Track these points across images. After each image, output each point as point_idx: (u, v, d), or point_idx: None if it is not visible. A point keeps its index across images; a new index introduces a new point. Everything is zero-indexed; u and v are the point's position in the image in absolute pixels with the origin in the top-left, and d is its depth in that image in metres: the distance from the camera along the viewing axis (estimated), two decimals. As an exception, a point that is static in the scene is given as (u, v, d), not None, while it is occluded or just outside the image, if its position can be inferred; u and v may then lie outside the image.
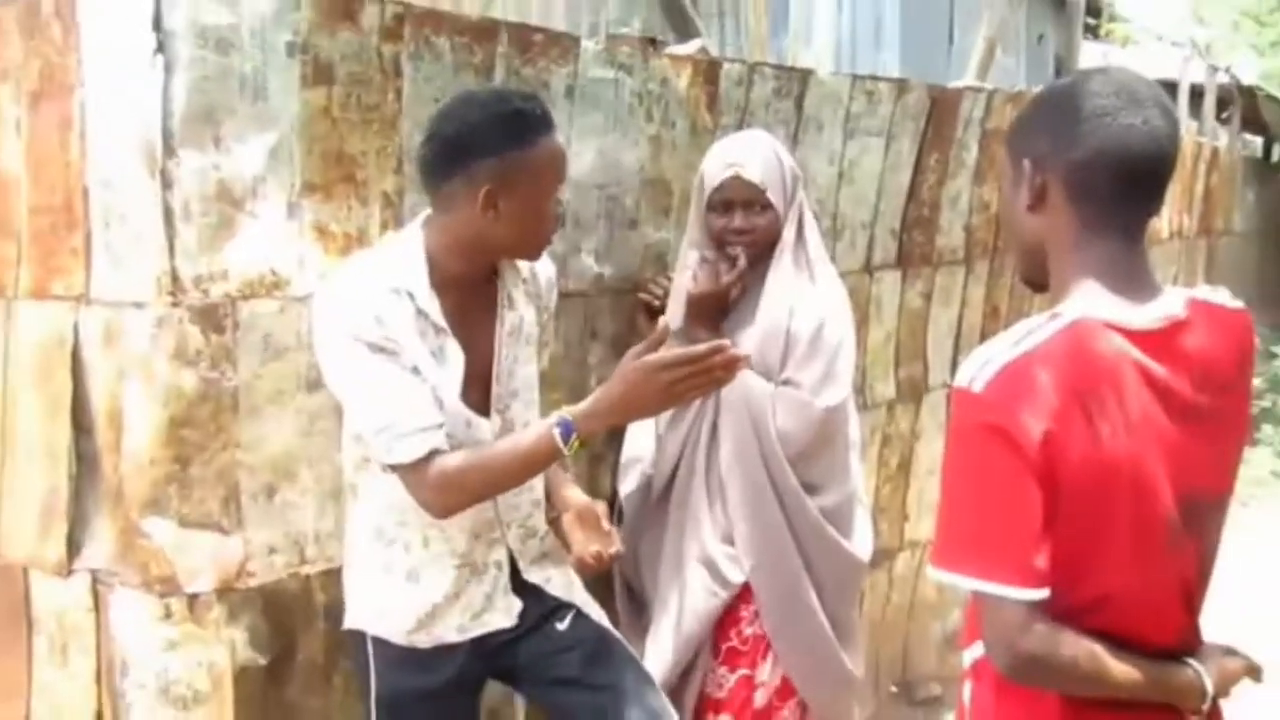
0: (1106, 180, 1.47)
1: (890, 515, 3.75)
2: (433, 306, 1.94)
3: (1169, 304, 1.48)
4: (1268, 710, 1.87)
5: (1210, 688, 1.49)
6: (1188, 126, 8.27)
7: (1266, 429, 7.84)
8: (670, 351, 1.86)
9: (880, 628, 3.85)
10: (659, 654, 2.57)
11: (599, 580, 2.69)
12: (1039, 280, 1.57)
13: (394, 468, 1.90)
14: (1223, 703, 1.53)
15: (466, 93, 2.10)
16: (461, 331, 1.99)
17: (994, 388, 1.39)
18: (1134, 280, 1.48)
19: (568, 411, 1.89)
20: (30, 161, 2.12)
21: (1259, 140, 10.71)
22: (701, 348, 1.87)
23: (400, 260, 1.96)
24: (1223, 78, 8.72)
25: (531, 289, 2.16)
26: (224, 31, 1.96)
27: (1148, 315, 1.45)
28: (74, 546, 2.11)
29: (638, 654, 2.58)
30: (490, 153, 1.89)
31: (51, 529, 2.13)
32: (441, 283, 1.97)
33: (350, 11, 2.12)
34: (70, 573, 2.12)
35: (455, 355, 1.98)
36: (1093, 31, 11.53)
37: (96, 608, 2.10)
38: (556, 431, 1.86)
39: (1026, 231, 1.54)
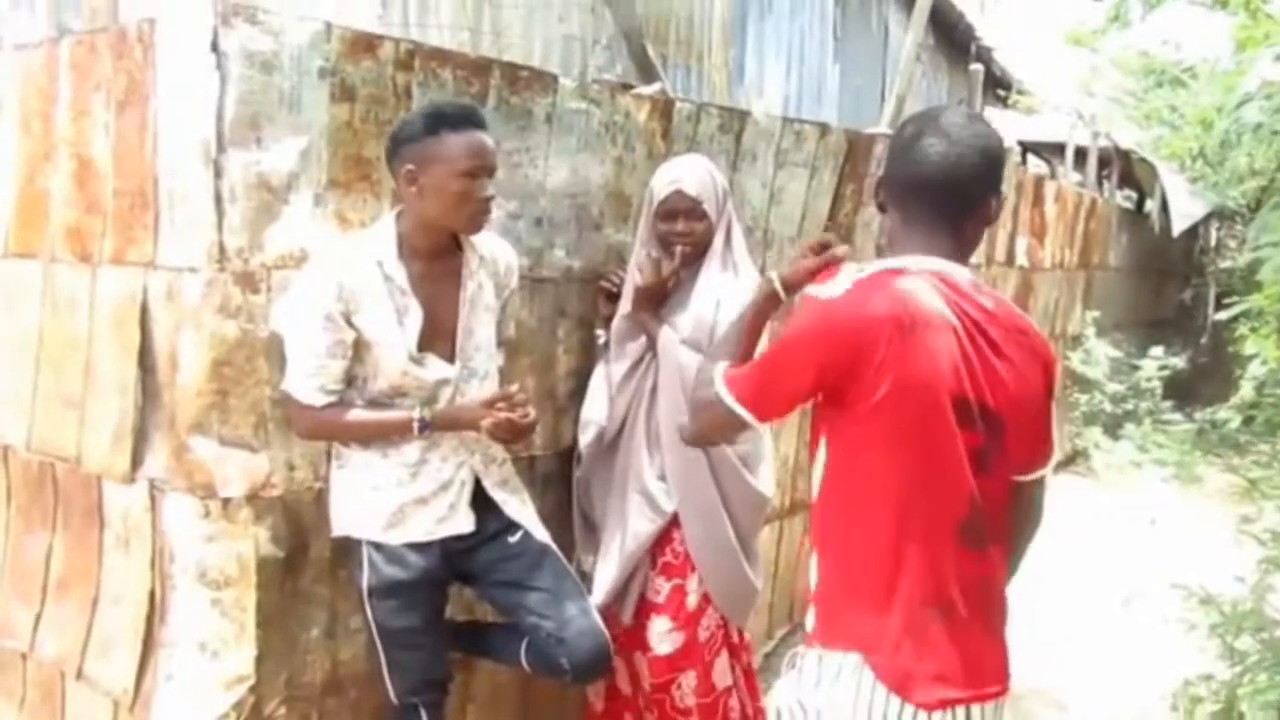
0: (904, 193, 1.63)
1: (807, 473, 3.78)
2: (399, 273, 2.04)
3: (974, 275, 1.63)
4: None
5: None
6: (1073, 180, 8.33)
7: (1129, 427, 7.90)
8: (496, 400, 2.10)
9: (799, 566, 3.90)
10: (607, 567, 2.62)
11: (561, 508, 2.76)
12: None
13: (289, 397, 2.03)
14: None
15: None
16: (426, 295, 2.07)
17: (836, 301, 1.54)
18: (947, 256, 1.60)
19: (428, 412, 2.07)
20: (115, 155, 2.17)
21: (1134, 194, 10.75)
22: (519, 397, 2.10)
23: (375, 237, 2.07)
24: (1104, 142, 8.75)
25: (491, 268, 2.22)
26: (267, 56, 2.02)
27: (961, 274, 1.59)
28: (137, 460, 2.17)
29: (590, 568, 2.65)
30: (409, 141, 2.01)
31: (120, 446, 2.19)
32: (410, 254, 2.07)
33: (371, 45, 2.18)
34: (133, 480, 2.18)
35: (415, 314, 2.06)
36: (1003, 101, 11.58)
37: (153, 508, 2.15)
38: (416, 422, 2.06)
39: (880, 230, 1.67)
